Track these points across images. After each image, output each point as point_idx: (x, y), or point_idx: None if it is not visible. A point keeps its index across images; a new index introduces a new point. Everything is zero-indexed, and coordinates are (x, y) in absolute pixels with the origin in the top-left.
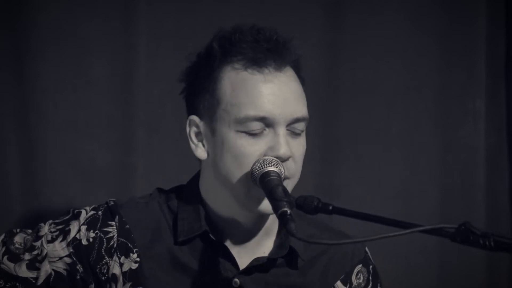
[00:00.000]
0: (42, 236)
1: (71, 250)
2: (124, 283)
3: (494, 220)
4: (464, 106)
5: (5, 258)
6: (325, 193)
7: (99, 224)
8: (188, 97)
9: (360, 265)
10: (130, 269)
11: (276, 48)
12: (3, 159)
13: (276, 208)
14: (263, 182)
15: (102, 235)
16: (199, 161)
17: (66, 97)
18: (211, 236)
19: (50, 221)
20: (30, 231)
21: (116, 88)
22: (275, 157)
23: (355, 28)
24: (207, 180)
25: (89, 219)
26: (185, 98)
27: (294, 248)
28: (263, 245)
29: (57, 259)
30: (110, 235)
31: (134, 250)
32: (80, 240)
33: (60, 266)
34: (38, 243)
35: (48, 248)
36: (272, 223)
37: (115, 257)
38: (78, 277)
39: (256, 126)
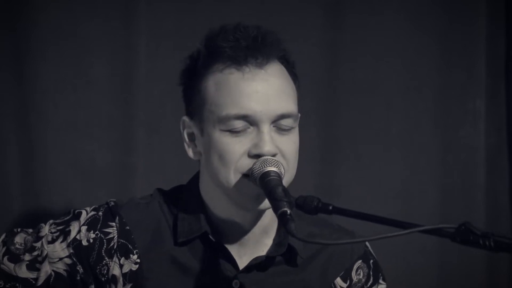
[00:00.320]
0: (42, 237)
1: (71, 251)
2: (124, 284)
3: (494, 220)
4: (464, 106)
5: (5, 258)
6: (325, 193)
7: (99, 225)
8: (184, 98)
9: (360, 261)
10: (130, 270)
11: (254, 46)
12: (3, 159)
13: (276, 208)
14: (263, 182)
15: (102, 236)
16: (198, 161)
17: (66, 97)
18: (211, 237)
19: (51, 221)
20: (30, 230)
21: (116, 88)
22: (258, 154)
23: (355, 28)
24: (204, 181)
25: (89, 219)
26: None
27: (292, 246)
28: (263, 244)
29: (57, 259)
30: (111, 236)
31: (134, 251)
32: (81, 240)
33: (60, 267)
34: (38, 244)
35: (48, 249)
36: (271, 222)
37: (115, 258)
38: (78, 278)
39: (238, 124)
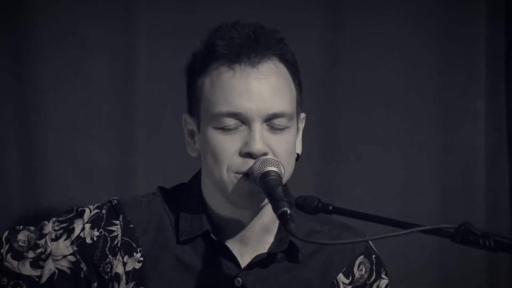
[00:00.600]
0: (46, 234)
1: (75, 249)
2: (127, 282)
3: (494, 220)
4: (464, 106)
5: (8, 255)
6: (325, 193)
7: (103, 223)
8: (186, 95)
9: (362, 256)
10: (134, 268)
11: (248, 44)
12: (3, 159)
13: (276, 208)
14: (263, 182)
15: (106, 234)
16: (199, 159)
17: (66, 97)
18: (212, 236)
19: (54, 219)
20: (33, 228)
21: (116, 88)
22: (249, 152)
23: (355, 28)
24: (204, 179)
25: (93, 217)
26: None
27: (294, 243)
28: (264, 242)
29: (60, 257)
30: (114, 234)
31: (138, 249)
32: (84, 238)
33: (64, 265)
34: (42, 241)
35: (52, 246)
36: (272, 220)
37: (118, 256)
38: (82, 275)
39: (229, 122)
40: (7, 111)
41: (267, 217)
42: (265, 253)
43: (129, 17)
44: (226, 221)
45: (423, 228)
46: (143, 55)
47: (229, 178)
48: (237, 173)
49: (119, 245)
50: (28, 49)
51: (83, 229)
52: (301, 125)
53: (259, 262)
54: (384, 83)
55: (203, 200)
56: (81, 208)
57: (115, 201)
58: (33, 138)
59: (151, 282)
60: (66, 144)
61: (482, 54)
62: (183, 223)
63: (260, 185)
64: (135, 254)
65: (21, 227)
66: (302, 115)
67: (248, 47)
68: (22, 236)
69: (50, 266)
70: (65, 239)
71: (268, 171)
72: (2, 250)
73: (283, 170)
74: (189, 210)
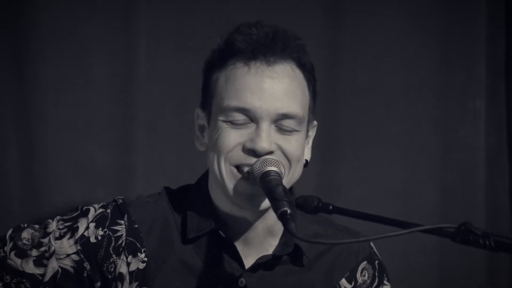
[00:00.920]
0: (50, 233)
1: (79, 248)
2: (130, 282)
3: (494, 220)
4: (464, 106)
5: (12, 253)
6: (325, 193)
7: (107, 222)
8: (201, 91)
9: (365, 262)
10: (138, 268)
11: (265, 42)
12: (3, 159)
13: (276, 208)
14: (263, 182)
15: (110, 234)
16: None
17: (66, 97)
18: (221, 233)
19: (58, 217)
20: (37, 226)
21: (116, 88)
22: (252, 149)
23: (355, 28)
24: (210, 177)
25: (97, 216)
26: None
27: (299, 246)
28: (268, 244)
29: (64, 256)
30: (119, 233)
31: (142, 250)
32: (88, 237)
33: (67, 264)
34: (45, 240)
35: (55, 245)
36: (276, 222)
37: (122, 256)
38: (85, 274)
39: (238, 117)
40: (7, 111)
41: (271, 219)
42: (270, 254)
43: (129, 17)
44: (233, 220)
45: (423, 228)
46: (143, 55)
47: (226, 170)
48: (234, 166)
49: (123, 245)
50: (28, 49)
51: (87, 228)
52: (312, 133)
53: (263, 264)
54: (384, 83)
55: (210, 199)
56: (86, 207)
57: (120, 201)
58: (33, 138)
59: (154, 283)
60: (66, 144)
61: (482, 54)
62: (190, 221)
63: (260, 185)
64: (139, 254)
65: (25, 225)
66: (314, 122)
67: (265, 45)
68: (26, 234)
69: (53, 265)
70: (69, 238)
71: (268, 171)
72: (5, 248)
73: (283, 170)
74: (196, 209)
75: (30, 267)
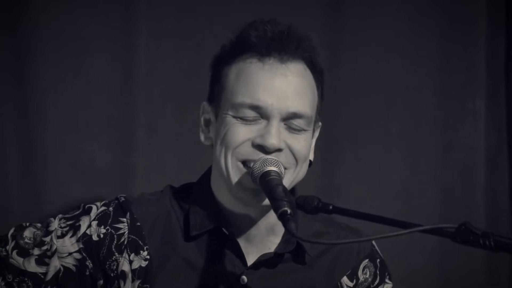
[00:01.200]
0: (52, 231)
1: (81, 246)
2: (133, 280)
3: (494, 220)
4: (464, 106)
5: (14, 252)
6: (325, 193)
7: (110, 220)
8: (209, 84)
9: (367, 260)
10: (140, 266)
11: (280, 40)
12: (3, 159)
13: (276, 208)
14: (263, 182)
15: (113, 231)
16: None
17: (66, 97)
18: (224, 230)
19: (60, 216)
20: (39, 225)
21: (116, 88)
22: (262, 145)
23: (355, 28)
24: (214, 174)
25: (100, 214)
26: None
27: (301, 244)
28: (270, 242)
29: (66, 254)
30: (121, 231)
31: (145, 247)
32: (91, 235)
33: (70, 262)
34: (47, 238)
35: (57, 243)
36: (278, 221)
37: (125, 254)
38: (87, 273)
39: (249, 113)
40: (7, 111)
41: (273, 218)
42: (271, 252)
43: (129, 17)
44: (236, 217)
45: (423, 228)
46: (143, 55)
47: (232, 165)
48: (241, 161)
49: (125, 242)
50: (28, 49)
51: (89, 226)
52: (316, 134)
53: (265, 262)
54: (384, 83)
55: (213, 196)
56: (88, 205)
57: (123, 198)
58: (33, 138)
59: (157, 280)
60: (66, 144)
61: (482, 54)
62: (193, 219)
63: (261, 185)
64: (141, 252)
65: (27, 224)
66: (319, 123)
67: (280, 43)
68: (28, 233)
69: (55, 263)
70: (71, 236)
71: (268, 171)
72: (7, 247)
73: (283, 170)
74: (199, 206)
75: (32, 266)
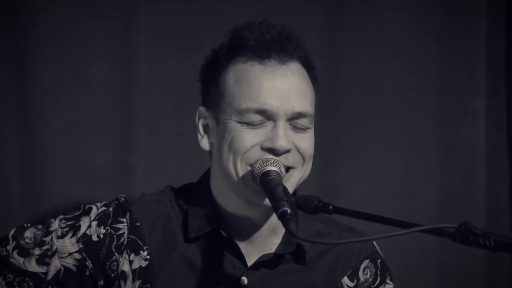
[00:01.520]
0: (52, 232)
1: (81, 246)
2: (133, 281)
3: (494, 220)
4: (464, 106)
5: (15, 252)
6: (325, 193)
7: (109, 221)
8: (202, 90)
9: (367, 261)
10: (140, 266)
11: (279, 41)
12: (3, 159)
13: (276, 208)
14: (263, 182)
15: (112, 232)
16: (210, 156)
17: (66, 97)
18: (222, 233)
19: (61, 216)
20: (40, 226)
21: (116, 88)
22: (271, 148)
23: (355, 28)
24: (214, 176)
25: (99, 215)
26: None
27: (301, 244)
28: (271, 242)
29: (66, 254)
30: (121, 232)
31: (145, 247)
32: (91, 236)
33: (70, 262)
34: (48, 238)
35: (58, 243)
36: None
37: (125, 254)
38: (88, 273)
39: (255, 118)
40: (7, 111)
41: (275, 218)
42: (272, 253)
43: (129, 17)
44: (235, 219)
45: (423, 228)
46: (143, 55)
47: (242, 170)
48: (250, 165)
49: (125, 243)
50: (28, 49)
51: (89, 226)
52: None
53: (265, 262)
54: (384, 83)
55: (212, 197)
56: (88, 206)
57: (123, 199)
58: (33, 138)
59: (157, 280)
60: (66, 144)
61: (482, 54)
62: (192, 220)
63: (261, 185)
64: (141, 252)
65: (28, 225)
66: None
67: (279, 44)
68: (28, 234)
69: (56, 263)
70: (71, 237)
71: (268, 171)
72: (8, 247)
73: (283, 169)
74: (198, 208)
75: (32, 266)
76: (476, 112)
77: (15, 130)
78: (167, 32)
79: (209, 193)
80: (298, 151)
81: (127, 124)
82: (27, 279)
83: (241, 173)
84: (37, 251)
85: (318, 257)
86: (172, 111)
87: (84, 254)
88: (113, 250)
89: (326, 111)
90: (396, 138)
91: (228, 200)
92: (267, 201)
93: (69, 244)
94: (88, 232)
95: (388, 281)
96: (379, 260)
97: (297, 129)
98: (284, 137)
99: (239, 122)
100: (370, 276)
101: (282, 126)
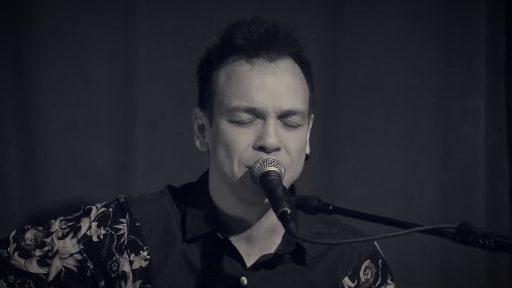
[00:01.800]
0: (52, 233)
1: (82, 247)
2: (134, 281)
3: (494, 220)
4: (464, 106)
5: (16, 254)
6: (325, 193)
7: (109, 221)
8: (198, 90)
9: (368, 261)
10: (141, 267)
11: (267, 39)
12: (3, 159)
13: (276, 208)
14: (263, 182)
15: (112, 232)
16: (207, 157)
17: (66, 97)
18: (219, 235)
19: (61, 218)
20: (41, 228)
21: (116, 88)
22: (261, 146)
23: (355, 28)
24: (212, 176)
25: (99, 215)
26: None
27: (301, 244)
28: (271, 242)
29: (67, 255)
30: (121, 232)
31: (145, 247)
32: (91, 236)
33: (71, 263)
34: (48, 239)
35: (58, 244)
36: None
37: (125, 255)
38: (89, 273)
39: (245, 116)
40: (7, 111)
41: (275, 217)
42: (271, 253)
43: (129, 17)
44: (233, 220)
45: (423, 228)
46: (143, 55)
47: (240, 172)
48: (247, 167)
49: (125, 243)
50: (28, 49)
51: (89, 227)
52: (310, 125)
53: (265, 263)
54: (384, 83)
55: (210, 198)
56: (88, 207)
57: (122, 199)
58: (33, 138)
59: (157, 281)
60: (66, 144)
61: (482, 54)
62: (189, 222)
63: (261, 185)
64: (141, 252)
65: (29, 226)
66: (312, 115)
67: (267, 42)
68: (29, 235)
69: (57, 264)
70: (71, 238)
71: (268, 171)
72: (9, 249)
73: (283, 170)
74: (196, 209)
75: (33, 267)
76: (476, 112)
77: (15, 130)
78: (167, 32)
79: (207, 194)
80: (287, 151)
81: (127, 124)
82: (28, 280)
83: (237, 174)
84: (38, 252)
85: (318, 257)
86: (172, 111)
87: (84, 254)
88: (114, 250)
89: (326, 111)
90: (396, 138)
91: (225, 201)
92: (267, 200)
93: (70, 245)
94: (88, 233)
95: (389, 281)
96: (380, 260)
97: (288, 126)
98: (273, 134)
99: (230, 121)
100: (371, 276)
101: (272, 123)
